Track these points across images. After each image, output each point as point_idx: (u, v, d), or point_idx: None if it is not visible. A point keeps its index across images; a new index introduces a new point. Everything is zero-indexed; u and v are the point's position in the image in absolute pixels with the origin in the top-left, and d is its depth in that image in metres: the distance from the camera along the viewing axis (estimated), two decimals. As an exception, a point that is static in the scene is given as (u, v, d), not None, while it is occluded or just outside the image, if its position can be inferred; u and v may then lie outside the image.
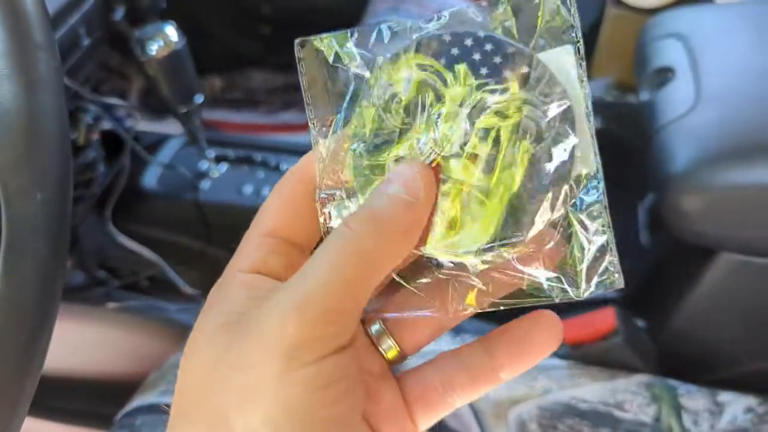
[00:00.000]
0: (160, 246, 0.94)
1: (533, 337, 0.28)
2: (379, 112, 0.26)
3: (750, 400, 0.72)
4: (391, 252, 0.25)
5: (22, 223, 0.37)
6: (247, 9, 1.58)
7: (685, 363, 0.79)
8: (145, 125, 1.11)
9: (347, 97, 0.27)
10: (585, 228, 0.26)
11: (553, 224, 0.26)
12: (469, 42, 0.25)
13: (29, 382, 0.37)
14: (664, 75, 0.75)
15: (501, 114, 0.25)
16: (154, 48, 0.85)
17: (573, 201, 0.26)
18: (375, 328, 0.29)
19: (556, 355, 0.76)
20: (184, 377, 0.26)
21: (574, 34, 0.26)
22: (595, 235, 0.26)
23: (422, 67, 0.26)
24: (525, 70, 0.25)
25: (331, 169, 0.27)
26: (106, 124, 0.91)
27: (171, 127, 1.44)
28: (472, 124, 0.25)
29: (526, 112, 0.25)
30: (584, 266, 0.26)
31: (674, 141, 0.67)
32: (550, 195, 0.25)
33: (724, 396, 0.72)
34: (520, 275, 0.27)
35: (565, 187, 0.26)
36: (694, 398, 0.72)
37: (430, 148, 0.26)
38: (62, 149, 0.40)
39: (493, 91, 0.25)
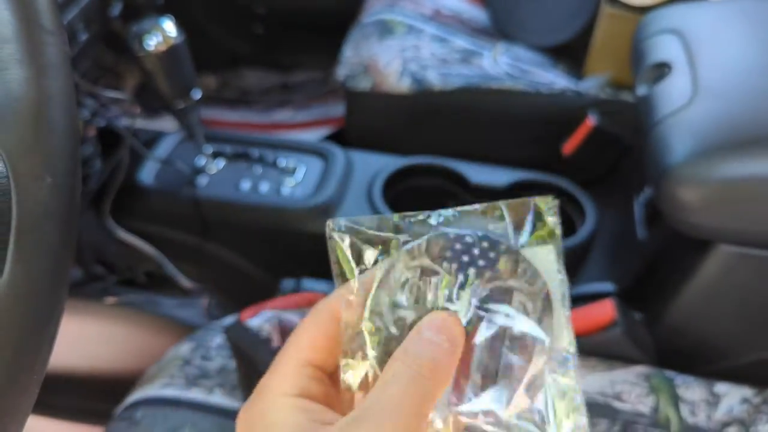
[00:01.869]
0: (157, 242, 0.94)
1: None
2: (393, 298, 0.32)
3: (746, 391, 0.73)
4: (436, 393, 0.29)
5: (32, 207, 0.37)
6: (241, 8, 1.58)
7: (682, 355, 0.80)
8: (139, 123, 1.10)
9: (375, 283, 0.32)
10: (560, 393, 0.32)
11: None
12: (469, 239, 0.32)
13: (38, 367, 0.37)
14: (661, 70, 0.76)
15: (494, 298, 0.32)
16: (152, 43, 0.85)
17: (552, 369, 0.32)
18: None
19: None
20: None
21: (555, 237, 0.33)
22: (568, 400, 0.32)
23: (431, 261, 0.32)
24: (515, 264, 0.32)
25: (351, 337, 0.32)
26: (102, 121, 0.91)
27: (165, 125, 1.44)
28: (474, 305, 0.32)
29: (515, 297, 0.32)
30: (559, 425, 0.32)
31: (672, 134, 0.68)
32: (533, 366, 0.31)
33: (721, 387, 0.73)
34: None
35: (548, 359, 0.31)
36: (691, 389, 0.73)
37: None
38: (71, 134, 0.40)
39: (489, 281, 0.32)
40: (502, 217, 0.33)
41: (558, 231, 0.33)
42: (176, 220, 0.96)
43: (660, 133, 0.69)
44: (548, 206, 0.33)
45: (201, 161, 1.00)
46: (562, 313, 0.32)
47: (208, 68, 1.62)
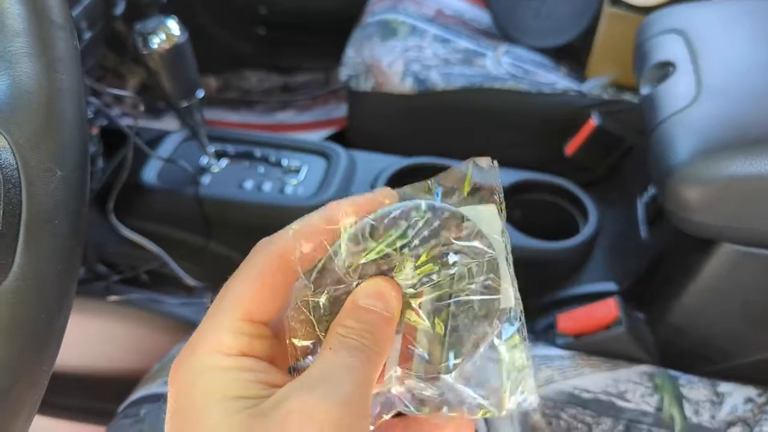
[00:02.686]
0: (159, 241, 0.94)
1: None
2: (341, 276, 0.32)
3: (750, 391, 0.73)
4: (378, 359, 0.29)
5: (42, 199, 0.37)
6: (244, 9, 1.58)
7: (685, 355, 0.80)
8: (141, 123, 1.11)
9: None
10: (508, 355, 0.32)
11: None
12: (414, 213, 0.32)
13: (48, 358, 0.37)
14: (665, 69, 0.76)
15: (439, 263, 0.32)
16: (157, 41, 0.85)
17: (498, 331, 0.32)
18: None
19: (559, 345, 0.76)
20: None
21: (497, 197, 0.33)
22: (516, 362, 0.32)
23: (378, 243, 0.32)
24: (458, 228, 0.32)
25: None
26: (105, 120, 0.91)
27: (166, 125, 1.44)
28: (417, 270, 0.32)
29: (460, 259, 0.32)
30: (507, 388, 0.31)
31: (676, 133, 0.68)
32: (481, 328, 0.31)
33: (724, 386, 0.73)
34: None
35: (494, 321, 0.31)
36: (695, 388, 0.73)
37: None
38: (81, 128, 0.40)
39: (433, 247, 0.32)
40: (442, 187, 0.34)
41: (498, 189, 0.33)
42: (179, 219, 0.95)
43: (664, 133, 0.70)
44: (487, 165, 0.34)
45: (204, 160, 1.00)
46: (507, 271, 0.32)
47: (210, 69, 1.62)
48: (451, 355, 0.31)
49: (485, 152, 1.06)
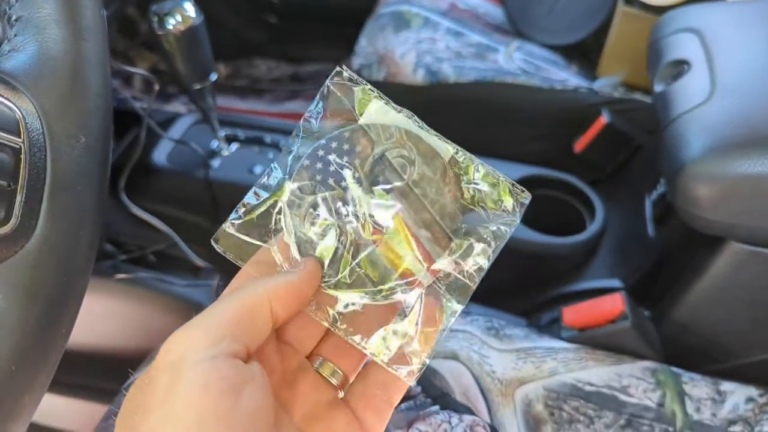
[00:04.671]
0: (168, 222, 0.94)
1: None
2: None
3: (751, 390, 0.73)
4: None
5: (66, 165, 0.37)
6: (256, -3, 1.58)
7: (688, 352, 0.80)
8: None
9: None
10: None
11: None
12: (321, 152, 0.36)
13: (67, 321, 0.38)
14: (680, 67, 0.76)
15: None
16: (172, 23, 0.85)
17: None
18: (318, 362, 0.36)
19: (564, 338, 0.77)
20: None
21: (369, 90, 0.37)
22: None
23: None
24: (366, 138, 0.36)
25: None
26: (115, 101, 0.91)
27: (175, 110, 1.44)
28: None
29: (389, 160, 0.36)
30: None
31: (689, 130, 0.69)
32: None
33: (726, 385, 0.74)
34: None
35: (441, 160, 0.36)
36: (697, 386, 0.73)
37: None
38: (105, 96, 0.40)
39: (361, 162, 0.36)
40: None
41: (366, 84, 0.37)
42: (188, 200, 0.96)
43: (677, 129, 0.70)
44: (340, 73, 0.37)
45: (214, 144, 1.00)
46: (424, 133, 0.36)
47: (220, 56, 1.62)
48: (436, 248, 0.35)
49: (495, 146, 1.07)
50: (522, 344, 0.75)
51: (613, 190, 1.05)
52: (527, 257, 0.91)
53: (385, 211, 0.35)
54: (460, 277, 0.35)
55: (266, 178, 0.37)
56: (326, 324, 0.35)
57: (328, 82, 0.37)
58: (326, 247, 0.35)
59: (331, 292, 0.35)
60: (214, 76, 0.92)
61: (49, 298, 0.36)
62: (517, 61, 1.11)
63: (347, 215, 0.35)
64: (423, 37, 1.14)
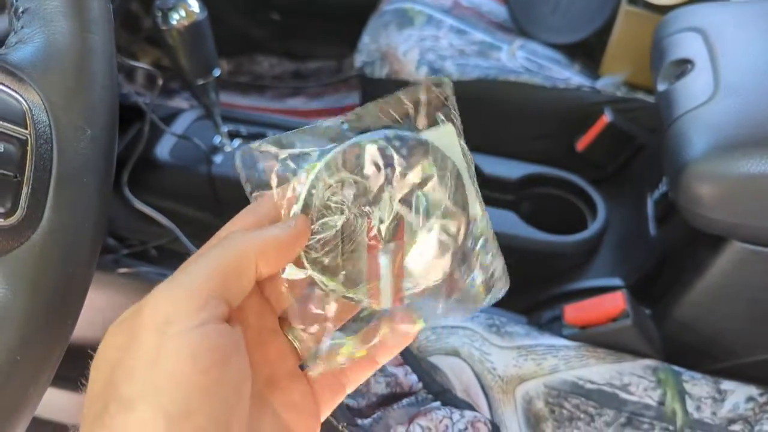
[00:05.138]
0: (170, 217, 0.94)
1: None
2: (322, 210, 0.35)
3: (752, 390, 0.73)
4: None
5: (72, 157, 0.37)
6: (259, -7, 1.58)
7: (689, 352, 0.80)
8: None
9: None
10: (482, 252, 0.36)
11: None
12: (382, 142, 0.35)
13: (72, 312, 0.38)
14: (683, 66, 0.76)
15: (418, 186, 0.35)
16: (176, 17, 0.85)
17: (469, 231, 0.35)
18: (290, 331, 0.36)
19: (565, 336, 0.77)
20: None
21: (452, 116, 0.35)
22: (489, 259, 0.36)
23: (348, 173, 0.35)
24: (423, 154, 0.35)
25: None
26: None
27: (177, 106, 1.44)
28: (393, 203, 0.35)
29: (432, 184, 0.35)
30: (481, 279, 0.36)
31: (692, 129, 0.69)
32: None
33: (727, 384, 0.74)
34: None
35: (464, 220, 0.35)
36: (698, 385, 0.73)
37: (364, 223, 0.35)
38: (111, 88, 0.40)
39: (403, 175, 0.35)
40: (398, 111, 0.36)
41: (454, 108, 0.35)
42: (190, 196, 0.96)
43: (680, 128, 0.70)
44: (442, 84, 0.35)
45: (217, 140, 1.00)
46: (471, 185, 0.35)
47: (222, 52, 1.62)
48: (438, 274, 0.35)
49: (497, 144, 1.07)
50: (523, 341, 0.75)
51: (615, 188, 1.05)
52: (529, 255, 0.91)
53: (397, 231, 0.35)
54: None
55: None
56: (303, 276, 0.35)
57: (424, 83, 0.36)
58: (327, 222, 0.35)
59: (306, 265, 0.35)
60: (217, 72, 0.92)
61: (54, 289, 0.36)
62: (520, 60, 1.11)
63: (364, 207, 0.35)
64: (426, 35, 1.14)
